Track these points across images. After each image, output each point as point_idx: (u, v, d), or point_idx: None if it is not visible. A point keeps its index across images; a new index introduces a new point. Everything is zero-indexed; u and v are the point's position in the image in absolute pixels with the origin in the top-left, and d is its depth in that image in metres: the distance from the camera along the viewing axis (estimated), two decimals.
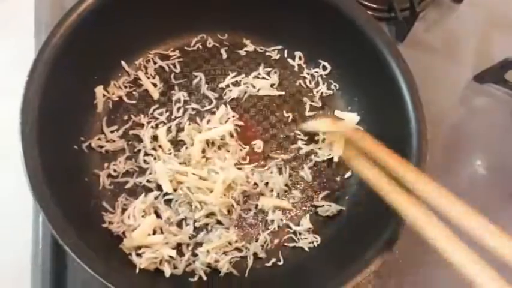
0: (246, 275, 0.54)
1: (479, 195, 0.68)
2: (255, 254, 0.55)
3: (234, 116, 0.61)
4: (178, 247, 0.54)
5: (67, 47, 0.53)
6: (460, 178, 0.69)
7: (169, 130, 0.59)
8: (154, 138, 0.59)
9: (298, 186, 0.60)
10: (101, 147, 0.57)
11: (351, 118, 0.62)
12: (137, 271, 0.50)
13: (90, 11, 0.55)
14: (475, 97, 0.74)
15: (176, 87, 0.62)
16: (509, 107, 0.74)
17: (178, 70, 0.63)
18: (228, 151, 0.58)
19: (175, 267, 0.53)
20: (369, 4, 0.73)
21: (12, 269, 0.56)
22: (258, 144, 0.61)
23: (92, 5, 0.55)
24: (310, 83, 0.65)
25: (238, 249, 0.55)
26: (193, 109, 0.61)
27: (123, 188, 0.56)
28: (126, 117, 0.60)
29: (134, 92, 0.61)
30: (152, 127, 0.59)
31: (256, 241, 0.55)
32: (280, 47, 0.66)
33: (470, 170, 0.71)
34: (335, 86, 0.65)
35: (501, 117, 0.73)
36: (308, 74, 0.65)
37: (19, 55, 0.61)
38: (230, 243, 0.54)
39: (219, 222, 0.55)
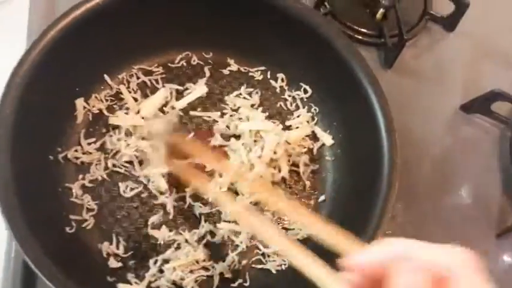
0: None
1: (463, 224, 0.68)
2: (221, 274, 0.55)
3: None
4: (145, 261, 0.54)
5: (49, 59, 0.54)
6: (444, 206, 0.69)
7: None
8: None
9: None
10: (77, 158, 0.58)
11: (327, 139, 0.63)
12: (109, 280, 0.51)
13: (74, 24, 0.55)
14: (462, 126, 0.74)
15: None
16: (496, 138, 0.73)
17: (160, 86, 0.64)
18: None
19: (139, 279, 0.53)
20: (359, 29, 0.74)
21: None
22: None
23: (76, 18, 0.55)
24: (291, 105, 0.65)
25: (205, 268, 0.55)
26: None
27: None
28: (104, 130, 0.60)
29: (115, 106, 0.62)
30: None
31: (224, 261, 0.55)
32: (263, 68, 0.66)
33: (454, 198, 0.70)
34: (315, 109, 0.65)
35: (487, 147, 0.73)
36: (289, 96, 0.66)
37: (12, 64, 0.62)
38: (197, 262, 0.54)
39: (187, 240, 0.55)
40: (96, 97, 0.61)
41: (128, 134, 0.60)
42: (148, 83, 0.64)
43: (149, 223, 0.56)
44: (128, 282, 0.53)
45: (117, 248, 0.55)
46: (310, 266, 0.34)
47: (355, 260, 0.30)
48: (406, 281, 0.27)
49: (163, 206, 0.57)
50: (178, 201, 0.57)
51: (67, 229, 0.54)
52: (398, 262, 0.28)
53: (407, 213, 0.66)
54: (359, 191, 0.57)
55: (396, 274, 0.27)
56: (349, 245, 0.38)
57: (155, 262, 0.54)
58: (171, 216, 0.57)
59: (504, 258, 0.67)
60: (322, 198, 0.61)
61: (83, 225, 0.55)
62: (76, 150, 0.58)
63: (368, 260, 0.30)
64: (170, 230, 0.56)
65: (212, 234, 0.57)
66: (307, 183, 0.61)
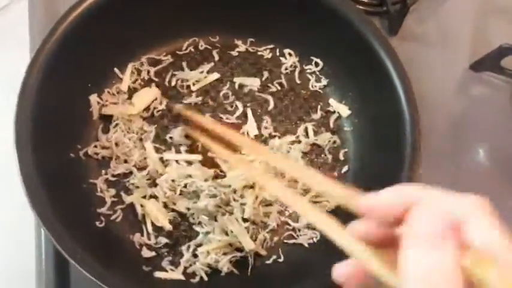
0: (248, 273, 0.54)
1: (481, 185, 0.67)
2: (255, 253, 0.55)
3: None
4: (177, 247, 0.54)
5: (58, 57, 0.53)
6: (461, 168, 0.69)
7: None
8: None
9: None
10: (97, 154, 0.58)
11: (343, 110, 0.63)
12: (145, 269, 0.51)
13: (80, 20, 0.55)
14: (473, 86, 0.74)
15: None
16: (507, 94, 0.73)
17: (169, 74, 0.63)
18: None
19: (175, 266, 0.53)
20: None
21: (17, 278, 0.56)
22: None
23: (82, 13, 0.55)
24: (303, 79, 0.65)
25: (238, 248, 0.55)
26: None
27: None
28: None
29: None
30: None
31: (255, 240, 0.55)
32: (271, 46, 0.66)
33: (470, 159, 0.70)
34: (327, 81, 0.65)
35: (499, 105, 0.73)
36: (301, 71, 0.65)
37: (15, 69, 0.61)
38: (230, 245, 0.54)
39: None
40: (108, 92, 0.61)
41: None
42: (150, 74, 0.63)
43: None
44: (164, 269, 0.53)
45: (148, 238, 0.55)
46: (341, 236, 0.33)
47: (368, 201, 0.29)
48: (424, 226, 0.25)
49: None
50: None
51: (97, 223, 0.54)
52: (414, 206, 0.26)
53: (427, 178, 0.65)
54: (382, 158, 0.57)
55: (412, 218, 0.26)
56: None
57: (188, 248, 0.54)
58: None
59: None
60: (345, 169, 0.61)
61: (112, 219, 0.55)
62: (95, 146, 0.58)
63: (381, 202, 0.28)
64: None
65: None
66: (329, 156, 0.61)
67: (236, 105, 0.63)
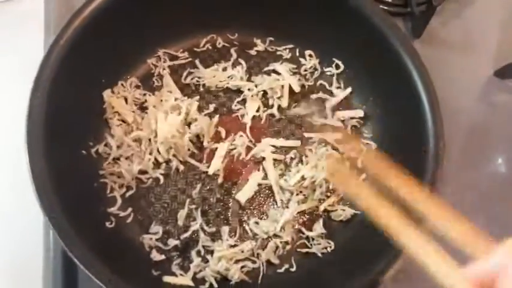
0: (259, 282, 0.53)
1: (500, 194, 0.66)
2: (267, 261, 0.54)
3: None
4: (187, 251, 0.53)
5: (73, 51, 0.52)
6: (481, 177, 0.67)
7: None
8: None
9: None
10: (108, 153, 0.56)
11: (355, 113, 0.61)
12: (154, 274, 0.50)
13: (96, 13, 0.54)
14: (496, 93, 0.72)
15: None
16: None
17: (187, 71, 0.62)
18: None
19: (184, 271, 0.52)
20: None
21: (24, 277, 0.56)
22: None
23: (98, 7, 0.54)
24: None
25: (249, 258, 0.53)
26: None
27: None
28: None
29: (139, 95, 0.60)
30: None
31: (264, 249, 0.54)
32: (291, 45, 0.64)
33: (491, 168, 0.69)
34: (348, 85, 0.63)
35: None
36: (321, 73, 0.64)
37: (29, 59, 0.60)
38: (242, 251, 0.53)
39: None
40: (122, 84, 0.59)
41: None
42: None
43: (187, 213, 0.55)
44: (173, 274, 0.52)
45: (158, 240, 0.53)
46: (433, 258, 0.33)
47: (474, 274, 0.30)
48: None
49: (201, 195, 0.56)
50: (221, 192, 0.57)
51: (107, 224, 0.53)
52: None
53: (446, 184, 0.64)
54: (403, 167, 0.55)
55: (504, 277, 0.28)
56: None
57: (198, 253, 0.53)
58: (206, 207, 0.56)
59: None
60: (363, 177, 0.59)
61: (123, 219, 0.54)
62: (106, 145, 0.57)
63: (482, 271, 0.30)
64: (208, 222, 0.55)
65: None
66: (347, 163, 0.59)
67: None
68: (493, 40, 0.74)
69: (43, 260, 0.54)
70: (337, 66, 0.63)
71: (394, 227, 0.37)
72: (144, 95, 0.60)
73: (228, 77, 0.62)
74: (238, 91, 0.62)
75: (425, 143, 0.52)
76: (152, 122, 0.57)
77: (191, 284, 0.51)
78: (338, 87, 0.63)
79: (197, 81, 0.62)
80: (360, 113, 0.62)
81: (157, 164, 0.57)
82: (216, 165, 0.57)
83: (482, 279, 0.30)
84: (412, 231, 0.36)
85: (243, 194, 0.56)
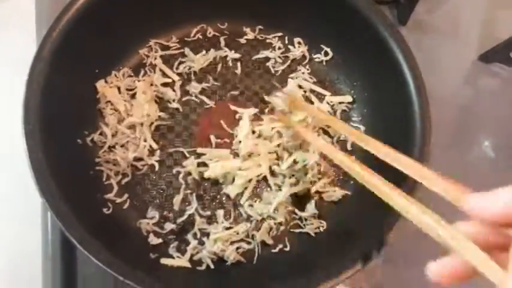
0: (254, 262, 0.54)
1: (487, 177, 0.67)
2: (262, 242, 0.55)
3: None
4: (184, 234, 0.54)
5: (66, 43, 0.53)
6: (468, 159, 0.69)
7: None
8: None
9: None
10: (103, 142, 0.57)
11: (344, 98, 0.63)
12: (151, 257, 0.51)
13: (86, 6, 0.54)
14: (481, 77, 0.74)
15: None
16: None
17: (178, 61, 0.63)
18: None
19: (181, 253, 0.53)
20: None
21: (23, 261, 0.57)
22: None
23: (88, 0, 0.55)
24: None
25: (244, 240, 0.55)
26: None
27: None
28: None
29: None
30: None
31: (258, 230, 0.55)
32: (280, 33, 0.66)
33: (478, 151, 0.70)
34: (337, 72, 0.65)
35: (508, 97, 0.72)
36: (310, 60, 0.65)
37: (21, 54, 0.61)
38: (237, 233, 0.55)
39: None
40: (115, 75, 0.60)
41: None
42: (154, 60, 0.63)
43: (182, 198, 0.56)
44: (171, 256, 0.53)
45: (155, 225, 0.55)
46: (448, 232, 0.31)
47: (480, 205, 0.28)
48: None
49: (196, 180, 0.57)
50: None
51: (104, 210, 0.54)
52: None
53: (435, 168, 0.65)
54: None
55: None
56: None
57: (194, 235, 0.54)
58: (201, 191, 0.57)
59: None
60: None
61: (119, 206, 0.55)
62: (101, 134, 0.58)
63: (496, 204, 0.27)
64: (203, 206, 0.56)
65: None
66: (336, 145, 0.61)
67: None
68: (477, 25, 0.76)
69: (42, 246, 0.55)
70: (326, 53, 0.65)
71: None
72: (134, 81, 0.60)
73: None
74: None
75: (413, 124, 0.53)
76: (145, 108, 0.58)
77: (188, 265, 0.53)
78: None
79: (189, 69, 0.63)
80: (348, 98, 0.63)
81: (152, 151, 0.58)
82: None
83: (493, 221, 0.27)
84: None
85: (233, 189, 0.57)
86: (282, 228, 0.56)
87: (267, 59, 0.65)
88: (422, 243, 0.60)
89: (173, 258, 0.53)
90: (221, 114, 0.61)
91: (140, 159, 0.57)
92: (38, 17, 0.67)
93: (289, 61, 0.65)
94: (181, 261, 0.53)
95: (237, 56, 0.64)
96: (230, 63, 0.64)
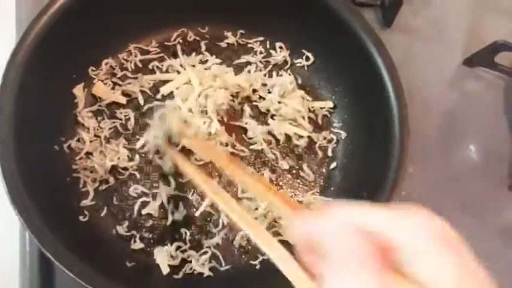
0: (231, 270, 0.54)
1: (472, 180, 0.67)
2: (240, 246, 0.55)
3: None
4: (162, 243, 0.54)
5: (42, 47, 0.52)
6: (453, 163, 0.69)
7: None
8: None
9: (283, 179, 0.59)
10: (81, 148, 0.57)
11: (325, 104, 0.63)
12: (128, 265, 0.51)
13: (65, 9, 0.53)
14: (466, 81, 0.73)
15: None
16: (500, 90, 0.73)
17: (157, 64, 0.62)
18: None
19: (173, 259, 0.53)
20: None
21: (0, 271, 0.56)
22: None
23: (65, 4, 0.53)
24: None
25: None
26: None
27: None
28: (105, 116, 0.59)
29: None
30: None
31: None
32: (261, 38, 0.65)
33: (462, 154, 0.70)
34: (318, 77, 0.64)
35: (492, 101, 0.72)
36: (291, 64, 0.65)
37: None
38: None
39: None
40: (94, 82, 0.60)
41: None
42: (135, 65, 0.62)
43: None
44: (149, 262, 0.52)
45: (130, 230, 0.54)
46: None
47: (298, 231, 0.28)
48: (338, 244, 0.23)
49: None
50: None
51: (81, 218, 0.53)
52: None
53: (419, 172, 0.65)
54: (371, 154, 0.57)
55: (329, 238, 0.24)
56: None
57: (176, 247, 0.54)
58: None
59: None
60: (333, 165, 0.60)
61: (96, 213, 0.54)
62: (78, 140, 0.57)
63: (308, 230, 0.27)
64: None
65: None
66: (319, 151, 0.61)
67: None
68: (462, 29, 0.75)
69: (19, 255, 0.54)
70: (307, 58, 0.64)
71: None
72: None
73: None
74: None
75: (392, 129, 0.53)
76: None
77: (167, 270, 0.52)
78: None
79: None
80: (329, 103, 0.63)
81: (131, 158, 0.57)
82: None
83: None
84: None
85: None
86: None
87: (248, 63, 0.64)
88: None
89: (151, 264, 0.52)
90: None
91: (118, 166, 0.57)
92: (18, 17, 0.66)
93: (270, 66, 0.64)
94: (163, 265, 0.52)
95: (218, 61, 0.63)
96: None
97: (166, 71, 0.62)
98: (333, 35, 0.59)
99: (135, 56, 0.62)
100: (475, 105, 0.72)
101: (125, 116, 0.59)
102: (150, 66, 0.62)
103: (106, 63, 0.61)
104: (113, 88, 0.60)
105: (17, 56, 0.51)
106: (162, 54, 0.63)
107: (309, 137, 0.61)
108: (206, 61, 0.63)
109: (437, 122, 0.70)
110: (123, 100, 0.60)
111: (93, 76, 0.60)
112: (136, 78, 0.61)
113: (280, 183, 0.59)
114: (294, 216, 0.32)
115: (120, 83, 0.60)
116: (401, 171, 0.51)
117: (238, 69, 0.63)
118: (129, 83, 0.60)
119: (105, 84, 0.60)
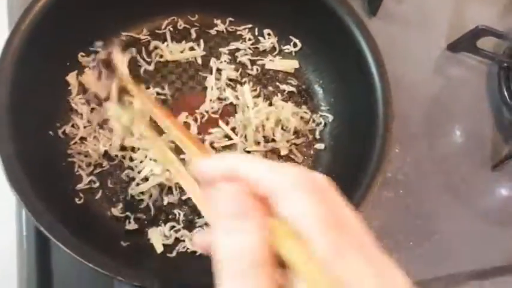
0: None
1: (458, 164, 0.69)
2: None
3: None
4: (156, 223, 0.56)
5: (36, 34, 0.53)
6: (438, 147, 0.70)
7: None
8: None
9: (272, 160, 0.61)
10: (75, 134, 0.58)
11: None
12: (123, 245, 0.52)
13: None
14: (450, 66, 0.75)
15: None
16: (483, 75, 0.75)
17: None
18: None
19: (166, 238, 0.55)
20: None
21: None
22: None
23: None
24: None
25: None
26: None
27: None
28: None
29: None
30: None
31: None
32: (250, 25, 0.67)
33: (447, 138, 0.72)
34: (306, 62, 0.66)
35: (475, 85, 0.74)
36: (279, 51, 0.66)
37: None
38: None
39: None
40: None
41: None
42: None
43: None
44: (144, 243, 0.54)
45: (124, 212, 0.56)
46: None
47: (198, 169, 0.31)
48: (226, 205, 0.26)
49: None
50: None
51: (76, 200, 0.55)
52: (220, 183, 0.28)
53: (404, 154, 0.67)
54: (356, 136, 0.58)
55: (217, 198, 0.27)
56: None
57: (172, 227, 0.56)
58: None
59: (501, 191, 0.70)
60: (321, 146, 0.62)
61: (91, 196, 0.56)
62: (73, 126, 0.58)
63: (209, 169, 0.30)
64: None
65: None
66: (307, 133, 0.62)
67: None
68: (444, 16, 0.77)
69: (16, 240, 0.56)
70: (295, 45, 0.66)
71: None
72: None
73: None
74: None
75: (376, 111, 0.55)
76: None
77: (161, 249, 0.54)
78: None
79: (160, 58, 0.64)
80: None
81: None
82: None
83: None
84: None
85: None
86: None
87: (237, 49, 0.65)
88: (397, 218, 0.63)
89: (146, 245, 0.54)
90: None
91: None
92: (9, 5, 0.67)
93: (258, 52, 0.66)
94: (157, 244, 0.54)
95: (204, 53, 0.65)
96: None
97: None
98: (320, 21, 0.61)
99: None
100: (459, 89, 0.74)
101: None
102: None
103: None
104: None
105: (11, 43, 0.52)
106: (152, 41, 0.64)
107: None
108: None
109: (423, 106, 0.72)
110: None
111: (84, 63, 0.61)
112: None
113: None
114: (199, 157, 0.35)
115: None
116: (385, 153, 0.53)
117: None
118: None
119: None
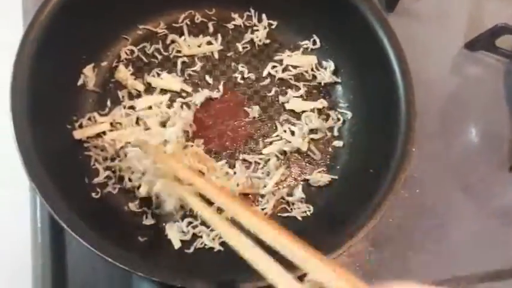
0: None
1: (474, 164, 0.69)
2: None
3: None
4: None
5: (53, 28, 0.53)
6: (454, 146, 0.70)
7: None
8: None
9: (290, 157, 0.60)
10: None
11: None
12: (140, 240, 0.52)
13: None
14: (467, 65, 0.75)
15: None
16: (501, 74, 0.74)
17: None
18: None
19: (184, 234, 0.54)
20: None
21: (12, 249, 0.57)
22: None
23: None
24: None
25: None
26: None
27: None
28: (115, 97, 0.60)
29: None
30: None
31: None
32: (267, 20, 0.66)
33: (463, 138, 0.71)
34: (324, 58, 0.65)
35: (493, 84, 0.73)
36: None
37: (7, 39, 0.60)
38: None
39: None
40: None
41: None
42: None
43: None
44: (161, 238, 0.53)
45: (141, 207, 0.55)
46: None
47: None
48: None
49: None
50: None
51: (93, 194, 0.54)
52: None
53: (420, 154, 0.66)
54: (375, 134, 0.58)
55: None
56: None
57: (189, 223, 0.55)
58: None
59: None
60: (339, 144, 0.61)
61: (108, 190, 0.55)
62: (89, 119, 0.58)
63: None
64: None
65: None
66: (326, 131, 0.62)
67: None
68: (464, 13, 0.76)
69: (31, 233, 0.55)
70: (314, 42, 0.65)
71: None
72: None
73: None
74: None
75: (398, 109, 0.54)
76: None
77: (179, 244, 0.53)
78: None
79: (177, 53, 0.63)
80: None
81: None
82: None
83: None
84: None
85: None
86: (270, 212, 0.57)
87: (253, 42, 0.65)
88: (413, 217, 0.62)
89: (162, 240, 0.53)
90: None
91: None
92: (24, 1, 0.66)
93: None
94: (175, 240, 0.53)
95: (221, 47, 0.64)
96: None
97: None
98: (339, 16, 0.60)
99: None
100: (476, 88, 0.73)
101: None
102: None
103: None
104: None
105: (30, 34, 0.51)
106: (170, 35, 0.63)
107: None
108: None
109: (439, 105, 0.71)
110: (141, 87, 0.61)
111: (124, 59, 0.61)
112: None
113: (288, 162, 0.60)
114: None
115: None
116: (408, 151, 0.52)
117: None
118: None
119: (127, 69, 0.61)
